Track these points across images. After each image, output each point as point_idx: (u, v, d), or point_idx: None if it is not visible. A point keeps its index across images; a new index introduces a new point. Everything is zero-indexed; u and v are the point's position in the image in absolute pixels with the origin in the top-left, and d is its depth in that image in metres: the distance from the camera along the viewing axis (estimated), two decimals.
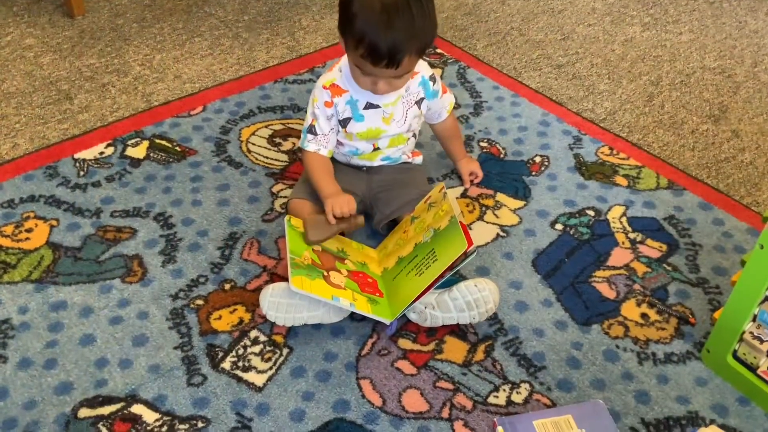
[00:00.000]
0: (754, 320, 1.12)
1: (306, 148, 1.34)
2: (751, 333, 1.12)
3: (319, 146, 1.33)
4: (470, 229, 1.40)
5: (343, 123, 1.33)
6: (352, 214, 1.27)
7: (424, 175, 1.47)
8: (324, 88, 1.31)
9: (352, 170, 1.40)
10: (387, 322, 1.17)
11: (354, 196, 1.36)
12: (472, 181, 1.51)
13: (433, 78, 1.36)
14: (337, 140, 1.37)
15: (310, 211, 1.31)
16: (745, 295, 1.08)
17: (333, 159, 1.41)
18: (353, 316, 1.23)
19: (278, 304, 1.16)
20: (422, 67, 1.35)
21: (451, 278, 1.19)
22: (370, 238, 1.39)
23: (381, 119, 1.33)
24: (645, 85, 1.86)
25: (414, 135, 1.42)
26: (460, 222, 1.17)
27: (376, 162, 1.40)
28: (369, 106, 1.32)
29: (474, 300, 1.16)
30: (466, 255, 1.12)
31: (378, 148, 1.38)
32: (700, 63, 1.95)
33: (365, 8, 1.16)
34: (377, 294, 1.21)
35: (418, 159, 1.46)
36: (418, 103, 1.35)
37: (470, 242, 1.12)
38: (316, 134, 1.33)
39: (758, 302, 1.09)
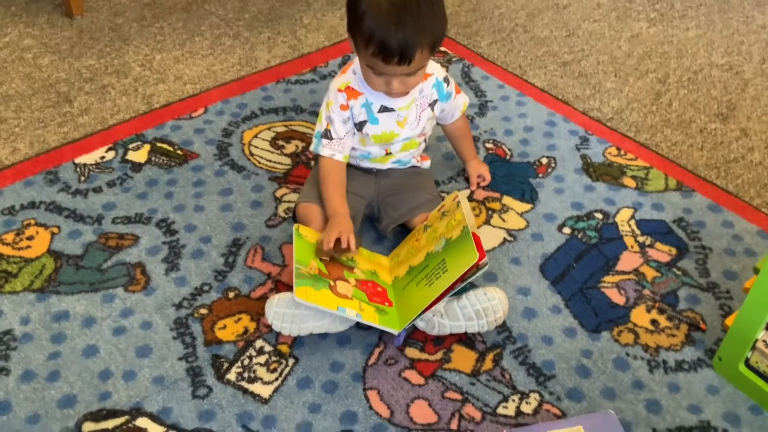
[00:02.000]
0: (767, 329, 1.11)
1: (320, 153, 1.32)
2: (764, 341, 1.11)
3: (333, 151, 1.31)
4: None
5: (359, 126, 1.31)
6: (350, 246, 1.22)
7: (431, 179, 1.45)
8: (339, 91, 1.29)
9: (360, 173, 1.38)
10: (395, 332, 1.16)
11: (361, 200, 1.34)
12: (479, 184, 1.49)
13: (446, 80, 1.35)
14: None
15: (318, 215, 1.29)
16: (759, 304, 1.06)
17: None
18: (360, 325, 1.22)
19: (284, 314, 1.14)
20: (435, 69, 1.33)
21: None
22: (376, 243, 1.38)
23: (395, 122, 1.31)
24: (652, 82, 1.84)
25: (425, 139, 1.40)
26: (473, 233, 1.15)
27: (387, 165, 1.38)
28: (383, 109, 1.29)
29: (483, 309, 1.15)
30: (477, 267, 1.10)
31: (390, 153, 1.36)
32: (708, 60, 1.93)
33: (373, 6, 1.15)
34: (386, 303, 1.19)
35: (426, 163, 1.44)
36: (432, 105, 1.33)
37: (482, 254, 1.10)
38: (331, 138, 1.30)
39: None
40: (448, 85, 1.35)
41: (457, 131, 1.47)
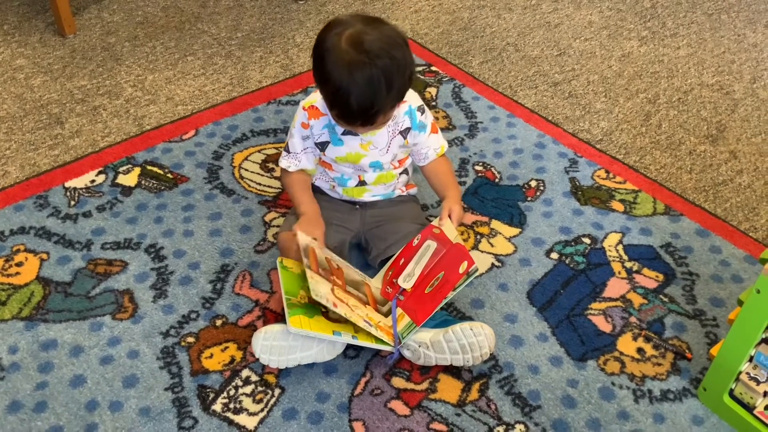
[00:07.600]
0: (750, 361, 1.11)
1: (279, 164, 1.35)
2: (747, 374, 1.11)
3: (289, 163, 1.33)
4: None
5: (321, 147, 1.31)
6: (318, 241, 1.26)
7: (418, 206, 1.43)
8: (303, 109, 1.30)
9: (346, 206, 1.38)
10: (392, 349, 1.18)
11: (347, 233, 1.34)
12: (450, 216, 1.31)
13: (421, 109, 1.31)
14: (326, 163, 1.35)
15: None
16: (742, 337, 1.07)
17: (327, 195, 1.39)
18: (347, 354, 1.22)
19: (271, 347, 1.15)
20: (411, 97, 1.30)
21: (447, 318, 1.18)
22: (364, 271, 1.37)
23: (359, 145, 1.30)
24: (642, 103, 1.84)
25: (407, 171, 1.39)
26: (458, 243, 1.19)
27: (365, 198, 1.37)
28: (348, 132, 1.29)
29: (469, 344, 1.15)
30: (468, 274, 1.12)
31: (364, 182, 1.35)
32: (698, 79, 1.93)
33: (337, 68, 1.12)
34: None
35: (413, 190, 1.44)
36: (403, 133, 1.31)
37: (471, 261, 1.14)
38: (289, 152, 1.33)
39: (755, 344, 1.07)
40: (422, 114, 1.30)
41: (432, 171, 1.37)
